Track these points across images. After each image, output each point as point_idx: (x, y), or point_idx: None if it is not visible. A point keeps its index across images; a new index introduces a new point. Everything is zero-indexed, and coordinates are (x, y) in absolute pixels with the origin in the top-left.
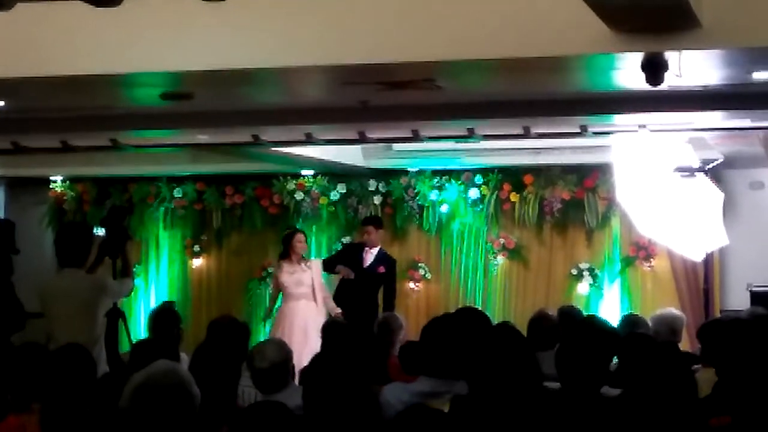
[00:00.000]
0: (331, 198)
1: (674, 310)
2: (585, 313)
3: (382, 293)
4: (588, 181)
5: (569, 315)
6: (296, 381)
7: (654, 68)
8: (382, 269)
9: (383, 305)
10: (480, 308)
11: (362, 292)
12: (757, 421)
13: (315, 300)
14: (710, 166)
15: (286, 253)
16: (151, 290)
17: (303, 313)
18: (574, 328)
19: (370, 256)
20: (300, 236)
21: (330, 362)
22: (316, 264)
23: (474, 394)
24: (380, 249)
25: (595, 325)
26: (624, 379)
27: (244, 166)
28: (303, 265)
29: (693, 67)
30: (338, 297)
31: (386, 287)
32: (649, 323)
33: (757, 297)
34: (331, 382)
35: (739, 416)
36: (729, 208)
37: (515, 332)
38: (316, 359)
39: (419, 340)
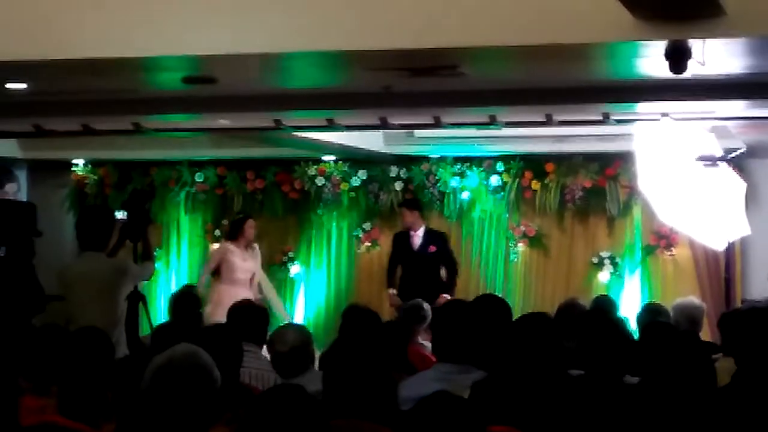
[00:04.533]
0: (352, 184)
1: (695, 300)
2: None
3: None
4: (610, 169)
5: (603, 306)
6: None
7: (677, 56)
8: (432, 248)
9: (447, 281)
10: (500, 296)
11: (420, 277)
12: None
13: (250, 285)
14: (733, 155)
15: (235, 236)
16: (171, 274)
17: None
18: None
19: (417, 239)
20: (251, 222)
21: (350, 348)
22: (257, 252)
23: (496, 380)
24: (426, 228)
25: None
26: (644, 367)
27: (266, 151)
28: (250, 251)
29: (717, 55)
30: (402, 290)
31: (445, 264)
32: (670, 312)
33: None
34: (351, 368)
35: (756, 405)
36: (751, 198)
37: (545, 319)
38: (336, 345)
39: (432, 325)
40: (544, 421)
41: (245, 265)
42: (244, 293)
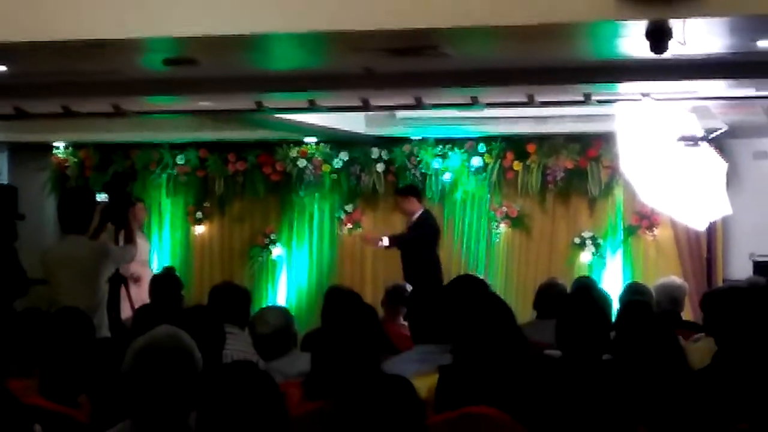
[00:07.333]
0: (334, 166)
1: (676, 279)
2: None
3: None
4: (591, 150)
5: (584, 287)
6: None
7: (658, 36)
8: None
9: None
10: (482, 277)
11: (404, 261)
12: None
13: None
14: (714, 135)
15: None
16: (153, 256)
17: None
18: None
19: (409, 228)
20: (141, 205)
21: (334, 329)
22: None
23: (458, 363)
24: (420, 214)
25: (594, 294)
26: (619, 346)
27: (247, 134)
28: (144, 234)
29: (697, 35)
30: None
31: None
32: (652, 292)
33: (759, 267)
34: (337, 349)
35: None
36: (732, 178)
37: (498, 301)
38: (320, 326)
39: (407, 306)
40: (514, 402)
41: (146, 246)
42: (149, 273)
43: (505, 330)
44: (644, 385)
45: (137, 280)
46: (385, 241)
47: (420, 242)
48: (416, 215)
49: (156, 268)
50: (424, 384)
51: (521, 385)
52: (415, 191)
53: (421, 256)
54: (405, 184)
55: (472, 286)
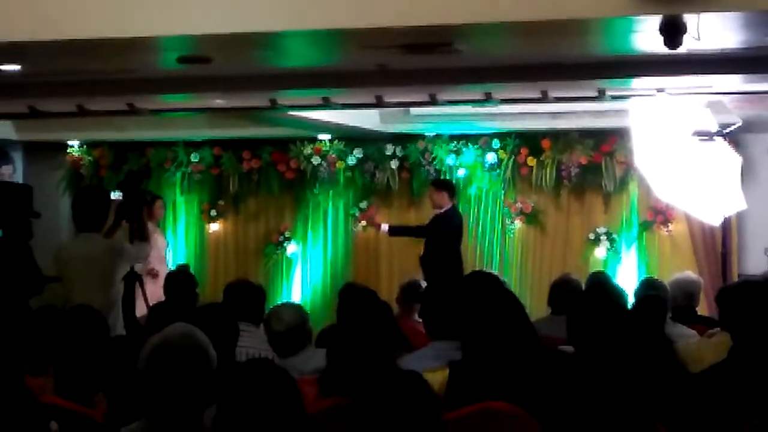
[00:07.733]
0: (348, 162)
1: (691, 274)
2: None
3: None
4: (605, 145)
5: (600, 282)
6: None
7: (672, 31)
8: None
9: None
10: (497, 273)
11: (423, 258)
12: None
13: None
14: (728, 130)
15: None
16: (168, 255)
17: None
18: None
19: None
20: (161, 202)
21: (349, 326)
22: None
23: (468, 359)
24: (445, 210)
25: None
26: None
27: (261, 131)
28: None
29: (711, 30)
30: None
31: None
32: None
33: None
34: (354, 346)
35: (752, 380)
36: (747, 173)
37: (509, 297)
38: (336, 323)
39: (422, 303)
40: (525, 398)
41: (164, 242)
42: (167, 269)
43: (515, 326)
44: (659, 380)
45: (155, 275)
46: (384, 228)
47: (431, 238)
48: (442, 210)
49: (171, 265)
50: (435, 379)
51: (531, 381)
52: (450, 187)
53: (440, 253)
54: (434, 179)
55: (484, 283)
